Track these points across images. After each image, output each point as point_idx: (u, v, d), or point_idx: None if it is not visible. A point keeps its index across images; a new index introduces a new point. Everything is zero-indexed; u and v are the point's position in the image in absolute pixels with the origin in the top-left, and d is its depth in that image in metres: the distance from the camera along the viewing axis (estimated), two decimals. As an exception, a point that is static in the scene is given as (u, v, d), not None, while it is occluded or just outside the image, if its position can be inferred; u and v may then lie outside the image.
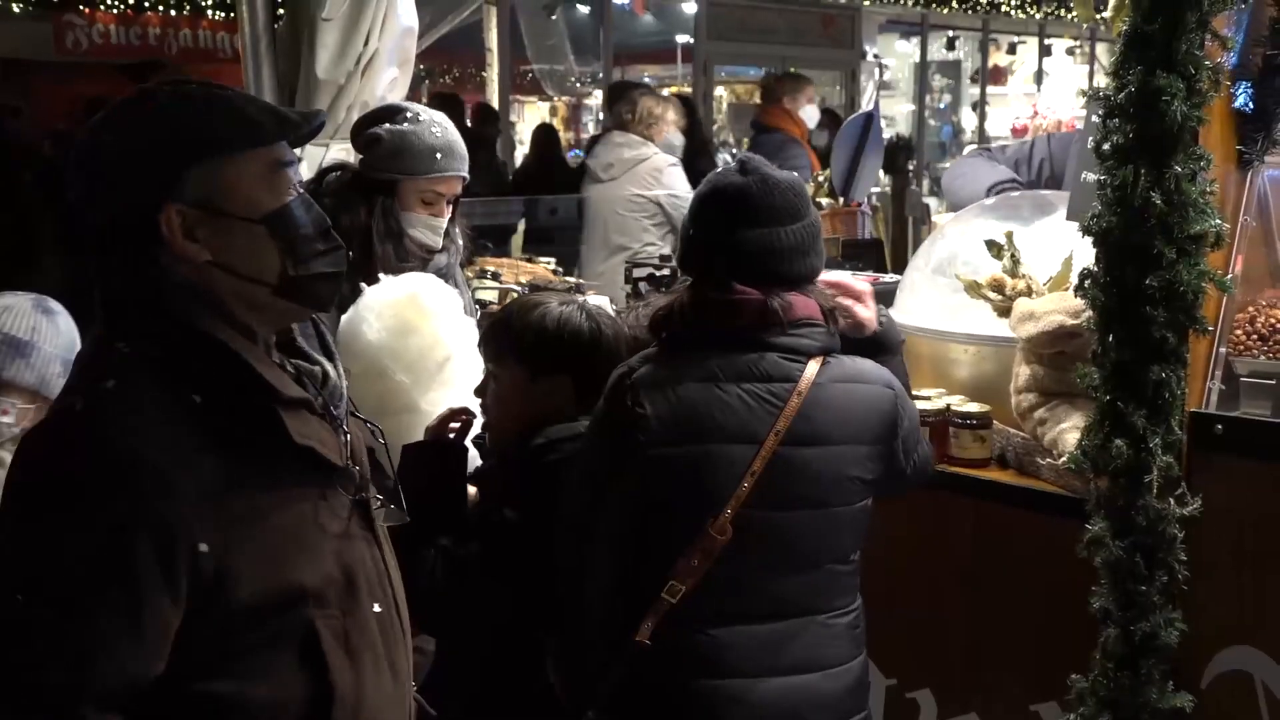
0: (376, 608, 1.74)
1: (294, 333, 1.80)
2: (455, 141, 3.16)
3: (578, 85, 12.86)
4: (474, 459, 2.62)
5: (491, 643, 2.45)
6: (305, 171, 3.61)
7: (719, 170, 2.37)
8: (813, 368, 2.26)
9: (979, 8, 14.84)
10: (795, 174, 2.39)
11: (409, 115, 3.12)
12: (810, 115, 7.36)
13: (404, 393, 2.66)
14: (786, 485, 2.23)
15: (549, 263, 5.28)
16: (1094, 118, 2.54)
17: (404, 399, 2.65)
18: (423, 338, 2.58)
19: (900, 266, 4.81)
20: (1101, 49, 16.59)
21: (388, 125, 3.09)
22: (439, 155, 3.10)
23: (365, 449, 1.85)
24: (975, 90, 17.00)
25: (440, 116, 3.19)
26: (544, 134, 9.72)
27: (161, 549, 1.51)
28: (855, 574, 2.37)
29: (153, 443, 1.53)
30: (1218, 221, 2.34)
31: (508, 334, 2.52)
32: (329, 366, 1.80)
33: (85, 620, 1.50)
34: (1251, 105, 2.67)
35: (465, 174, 3.20)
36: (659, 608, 2.23)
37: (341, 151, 3.74)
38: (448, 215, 3.20)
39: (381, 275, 3.06)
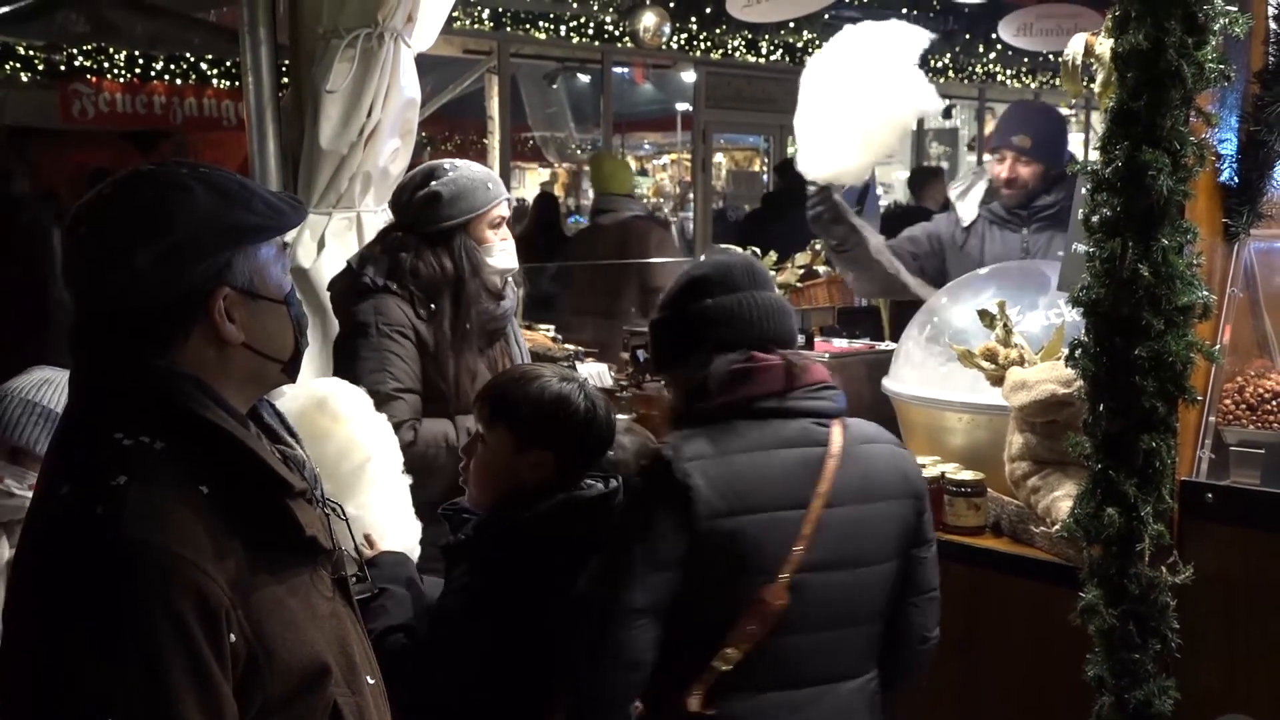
0: (370, 680, 1.76)
1: (258, 409, 1.80)
2: (490, 172, 3.42)
3: (578, 152, 12.96)
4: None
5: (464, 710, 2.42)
6: (308, 238, 3.69)
7: (692, 263, 2.51)
8: (838, 429, 2.32)
9: (975, 77, 14.98)
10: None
11: (446, 167, 3.35)
12: None
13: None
14: (833, 546, 2.26)
15: (549, 330, 5.30)
16: (1083, 190, 2.59)
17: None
18: (338, 443, 2.57)
19: (897, 335, 4.85)
20: (1096, 118, 16.69)
21: (435, 181, 3.30)
22: (490, 184, 3.35)
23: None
24: (972, 158, 17.12)
25: (461, 161, 3.44)
26: (545, 201, 9.82)
27: (215, 643, 1.50)
28: (878, 639, 2.40)
29: (182, 538, 1.51)
30: (1205, 293, 2.38)
31: (504, 401, 2.54)
32: (300, 450, 1.83)
33: None
34: (1236, 179, 2.71)
35: (511, 197, 3.49)
36: (709, 676, 2.24)
37: (343, 221, 3.78)
38: (509, 236, 3.44)
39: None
